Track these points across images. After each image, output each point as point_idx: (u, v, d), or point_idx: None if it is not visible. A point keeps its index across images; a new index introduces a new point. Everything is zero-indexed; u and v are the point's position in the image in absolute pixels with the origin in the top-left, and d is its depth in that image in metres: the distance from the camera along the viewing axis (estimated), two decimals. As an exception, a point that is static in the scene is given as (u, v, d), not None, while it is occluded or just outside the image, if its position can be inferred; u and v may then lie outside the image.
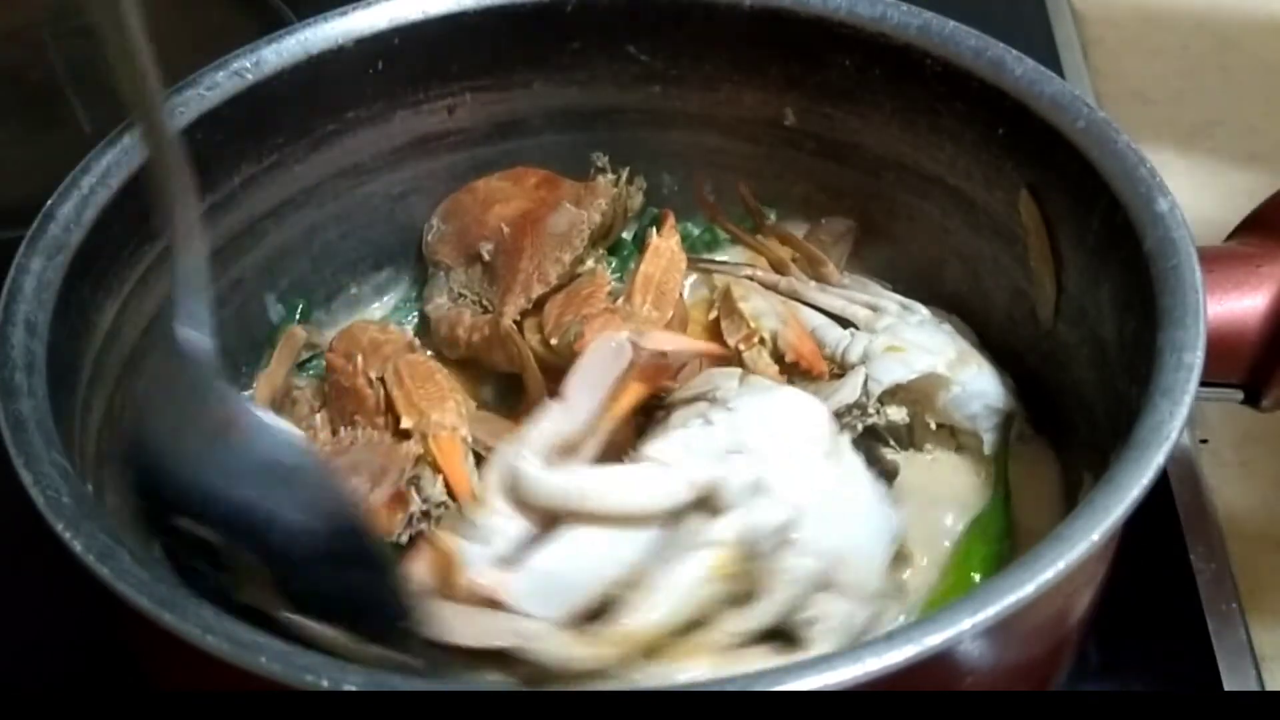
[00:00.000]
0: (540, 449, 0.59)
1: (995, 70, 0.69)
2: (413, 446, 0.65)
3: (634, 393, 0.63)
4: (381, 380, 0.70)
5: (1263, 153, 1.04)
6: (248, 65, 0.71)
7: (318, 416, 0.73)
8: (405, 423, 0.67)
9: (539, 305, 0.74)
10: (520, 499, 0.58)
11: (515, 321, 0.73)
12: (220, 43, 0.73)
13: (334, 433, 0.71)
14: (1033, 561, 0.48)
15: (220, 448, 0.53)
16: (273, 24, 0.91)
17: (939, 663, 0.47)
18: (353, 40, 0.74)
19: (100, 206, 0.64)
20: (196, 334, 0.55)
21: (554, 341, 0.71)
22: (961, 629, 0.46)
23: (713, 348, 0.67)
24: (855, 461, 0.63)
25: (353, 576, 0.53)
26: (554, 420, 0.60)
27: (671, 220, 0.79)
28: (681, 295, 0.75)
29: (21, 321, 0.58)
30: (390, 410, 0.68)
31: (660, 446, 0.60)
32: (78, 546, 0.50)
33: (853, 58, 0.75)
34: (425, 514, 0.62)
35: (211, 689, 0.50)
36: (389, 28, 0.74)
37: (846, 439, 0.64)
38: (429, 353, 0.77)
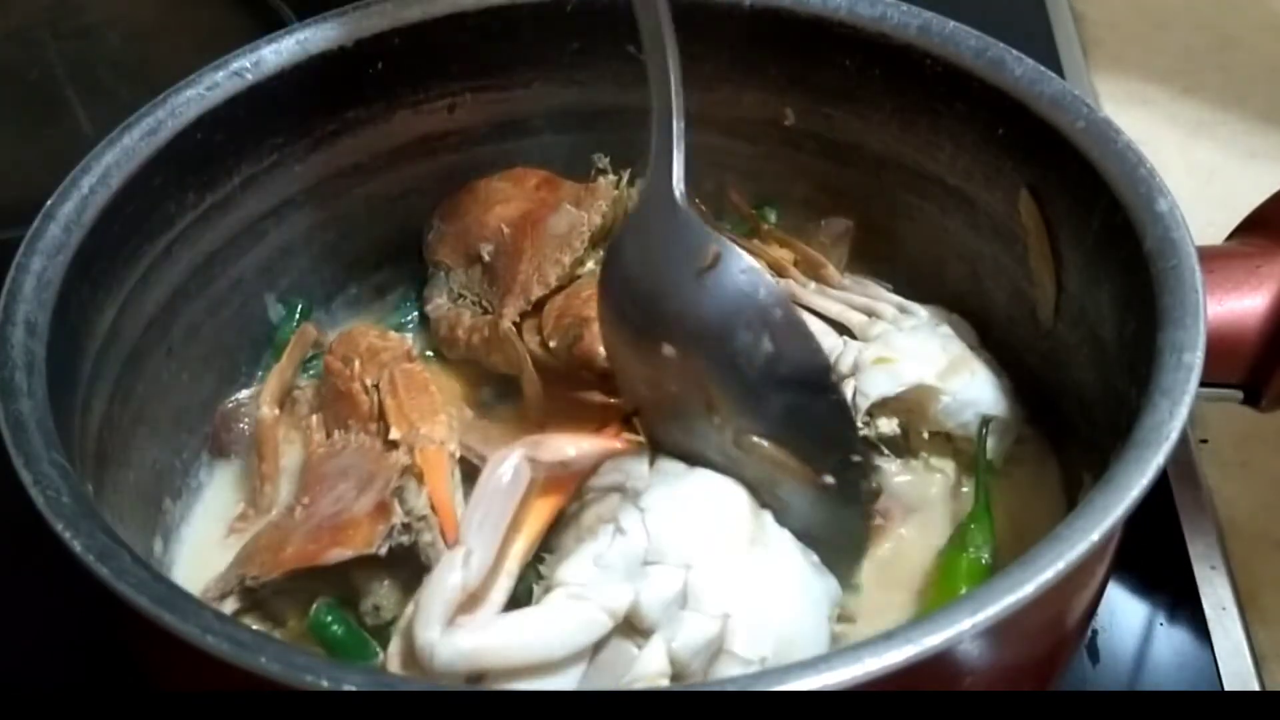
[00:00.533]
0: (442, 611, 0.53)
1: (995, 70, 0.69)
2: (401, 456, 0.65)
3: (542, 512, 0.59)
4: (376, 388, 0.70)
5: (1263, 153, 1.04)
6: (248, 65, 0.71)
7: (314, 418, 0.73)
8: (394, 433, 0.66)
9: (538, 307, 0.74)
10: (432, 672, 0.53)
11: (514, 323, 0.73)
12: (220, 43, 0.73)
13: (328, 434, 0.71)
14: (1033, 561, 0.48)
15: (705, 278, 0.60)
16: (273, 24, 0.91)
17: (939, 663, 0.47)
18: (353, 40, 0.74)
19: (100, 206, 0.64)
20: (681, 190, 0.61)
21: (553, 344, 0.71)
22: (961, 629, 0.46)
23: (616, 445, 0.61)
24: (781, 537, 0.61)
25: (806, 400, 0.60)
26: (454, 572, 0.54)
27: None
28: None
29: (21, 321, 0.58)
30: (383, 418, 0.68)
31: (572, 569, 0.56)
32: (78, 546, 0.50)
33: (853, 58, 0.75)
34: (406, 526, 0.61)
35: (211, 689, 0.50)
36: (389, 28, 0.74)
37: (768, 516, 0.61)
38: (429, 353, 0.77)
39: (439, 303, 0.79)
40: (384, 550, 0.60)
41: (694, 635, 0.56)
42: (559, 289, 0.75)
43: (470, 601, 0.55)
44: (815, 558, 0.62)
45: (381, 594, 0.62)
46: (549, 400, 0.71)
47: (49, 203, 0.63)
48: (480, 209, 0.80)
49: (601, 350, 0.68)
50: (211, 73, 0.70)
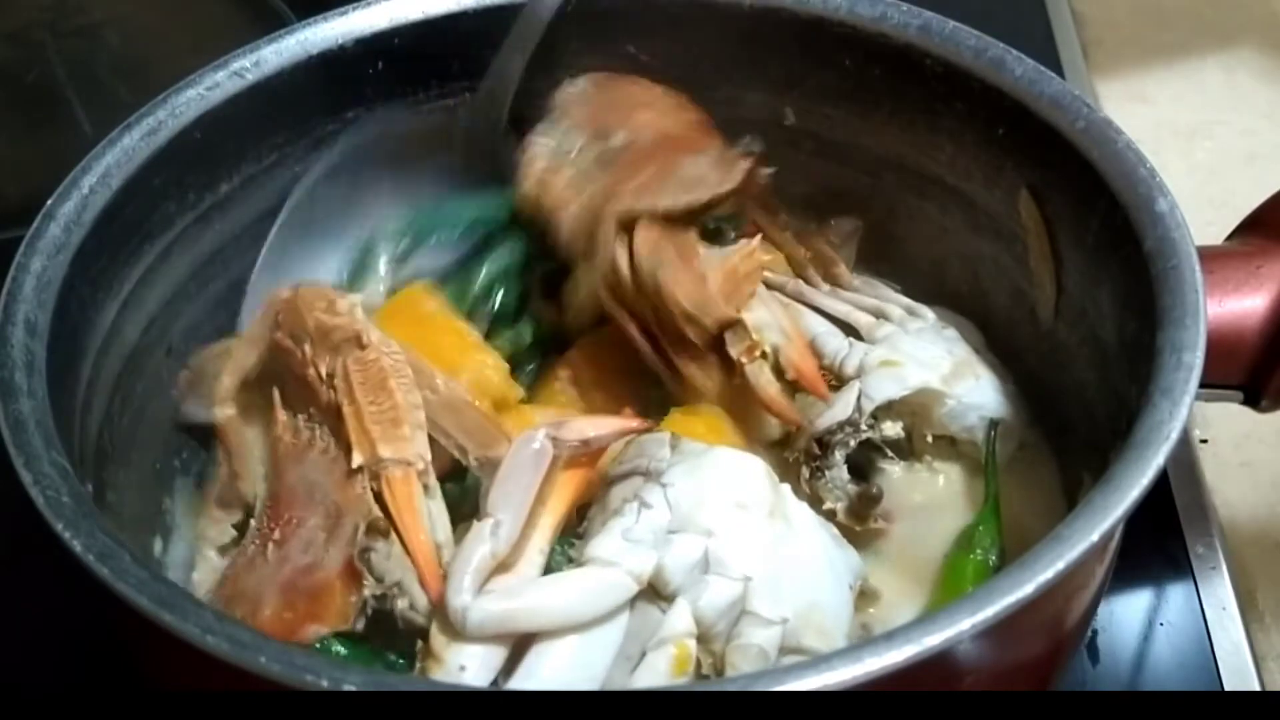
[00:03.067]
0: (472, 578, 0.56)
1: (995, 70, 0.69)
2: (365, 488, 0.61)
3: (568, 489, 0.61)
4: (333, 380, 0.64)
5: (1262, 153, 1.04)
6: (248, 65, 0.71)
7: (275, 392, 0.67)
8: (355, 458, 0.61)
9: (629, 228, 0.69)
10: (465, 635, 0.55)
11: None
12: (220, 43, 0.73)
13: (294, 414, 0.66)
14: (1033, 561, 0.48)
15: None
16: (273, 24, 0.91)
17: (939, 663, 0.47)
18: (353, 40, 0.74)
19: (100, 206, 0.64)
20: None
21: (644, 262, 0.67)
22: (961, 629, 0.46)
23: (635, 423, 0.64)
24: (801, 512, 0.62)
25: None
26: (482, 542, 0.57)
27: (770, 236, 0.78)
28: None
29: (21, 321, 0.58)
30: (342, 422, 0.63)
31: (601, 544, 0.58)
32: (78, 546, 0.50)
33: (853, 58, 0.75)
34: (381, 597, 0.58)
35: (211, 689, 0.50)
36: (389, 28, 0.74)
37: (788, 489, 0.63)
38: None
39: (544, 141, 0.74)
40: (360, 625, 0.58)
41: (717, 597, 0.57)
42: (663, 220, 0.69)
43: (502, 572, 0.57)
44: (834, 530, 0.64)
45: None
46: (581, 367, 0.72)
47: (49, 203, 0.63)
48: (630, 101, 0.76)
49: (680, 294, 0.67)
50: (211, 73, 0.70)
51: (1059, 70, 1.02)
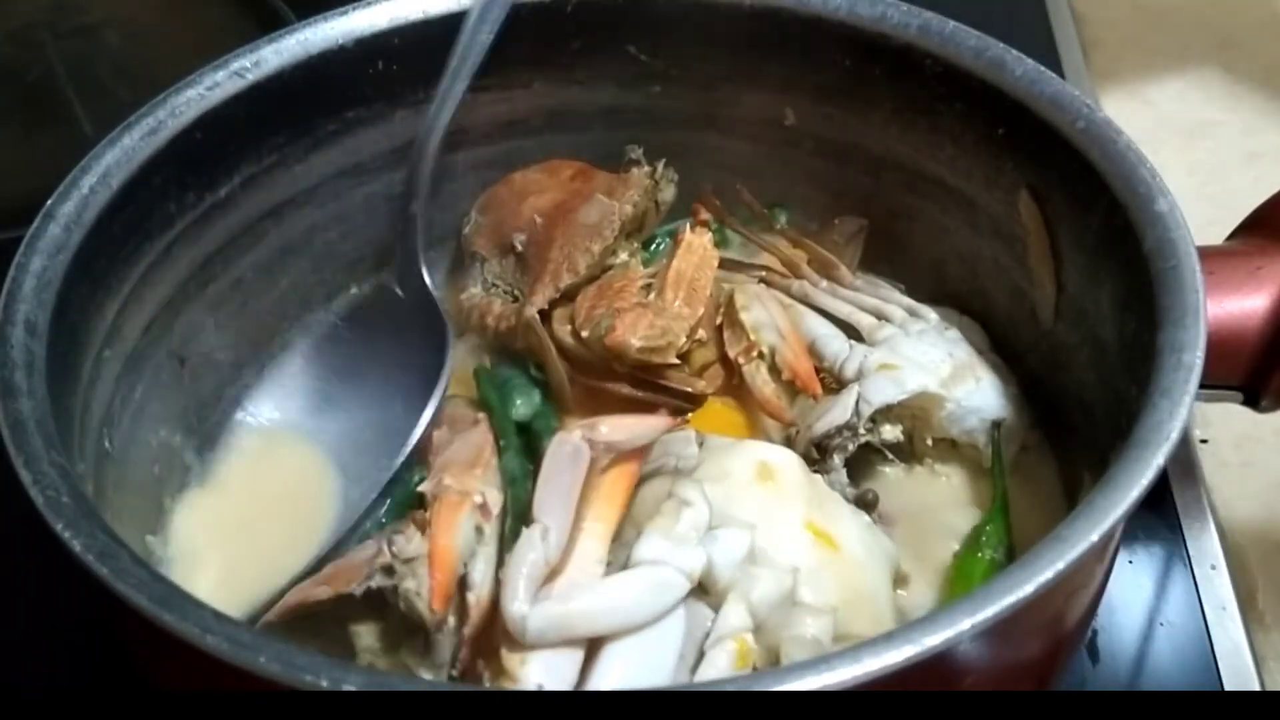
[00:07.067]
0: (527, 585, 0.56)
1: (995, 70, 0.69)
2: (425, 514, 0.62)
3: (616, 491, 0.61)
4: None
5: (1262, 153, 1.04)
6: (248, 65, 0.71)
7: None
8: (423, 486, 0.64)
9: (571, 296, 0.74)
10: (526, 643, 0.55)
11: (544, 312, 0.73)
12: (220, 43, 0.73)
13: None
14: (1032, 561, 0.48)
15: None
16: (273, 24, 0.91)
17: (939, 663, 0.47)
18: (353, 40, 0.74)
19: (100, 206, 0.64)
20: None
21: (585, 334, 0.70)
22: (961, 629, 0.46)
23: (667, 422, 0.66)
24: (835, 500, 0.63)
25: None
26: (533, 548, 0.57)
27: (704, 216, 0.79)
28: (713, 293, 0.75)
29: (21, 321, 0.58)
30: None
31: (646, 546, 0.58)
32: (77, 546, 0.50)
33: (853, 58, 0.75)
34: (389, 569, 0.59)
35: (211, 689, 0.50)
36: (389, 28, 0.74)
37: (820, 479, 0.64)
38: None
39: (473, 291, 0.79)
40: (359, 590, 0.59)
41: (768, 589, 0.58)
42: (591, 279, 0.74)
43: (553, 577, 0.58)
44: (867, 518, 0.64)
45: (374, 644, 0.60)
46: (578, 390, 0.71)
47: (49, 203, 0.63)
48: (515, 200, 0.80)
49: (634, 341, 0.68)
50: (211, 73, 0.70)
51: (1059, 70, 1.02)
